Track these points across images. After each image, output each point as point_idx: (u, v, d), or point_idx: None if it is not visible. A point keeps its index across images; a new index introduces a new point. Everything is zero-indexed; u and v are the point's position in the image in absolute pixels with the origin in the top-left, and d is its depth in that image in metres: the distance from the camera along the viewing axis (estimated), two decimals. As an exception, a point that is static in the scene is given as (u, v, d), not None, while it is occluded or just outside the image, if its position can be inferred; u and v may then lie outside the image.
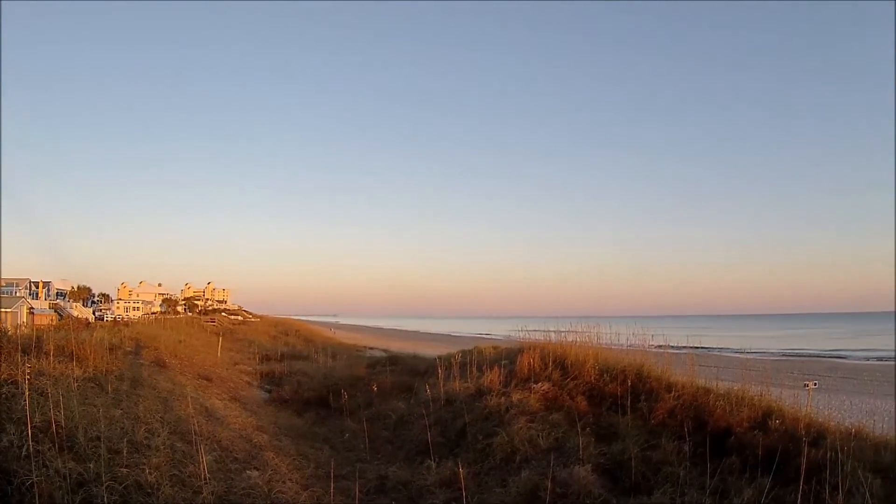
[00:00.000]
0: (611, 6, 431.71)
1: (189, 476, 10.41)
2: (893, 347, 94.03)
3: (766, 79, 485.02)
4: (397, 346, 61.53)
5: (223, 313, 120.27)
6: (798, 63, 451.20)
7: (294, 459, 13.78)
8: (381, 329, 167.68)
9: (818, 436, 14.34)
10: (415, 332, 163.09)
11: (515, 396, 17.78)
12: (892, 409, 36.04)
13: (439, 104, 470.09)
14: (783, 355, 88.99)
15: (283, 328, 72.74)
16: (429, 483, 12.73)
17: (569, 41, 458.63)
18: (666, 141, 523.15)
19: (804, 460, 11.37)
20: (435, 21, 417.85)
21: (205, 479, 10.33)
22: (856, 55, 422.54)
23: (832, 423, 16.00)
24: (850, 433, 14.53)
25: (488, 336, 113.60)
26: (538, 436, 14.97)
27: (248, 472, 12.02)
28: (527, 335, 26.33)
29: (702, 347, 66.06)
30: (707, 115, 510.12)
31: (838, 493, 10.67)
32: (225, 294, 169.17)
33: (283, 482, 11.72)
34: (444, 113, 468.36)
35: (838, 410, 27.34)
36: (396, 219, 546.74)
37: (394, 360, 34.11)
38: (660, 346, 22.42)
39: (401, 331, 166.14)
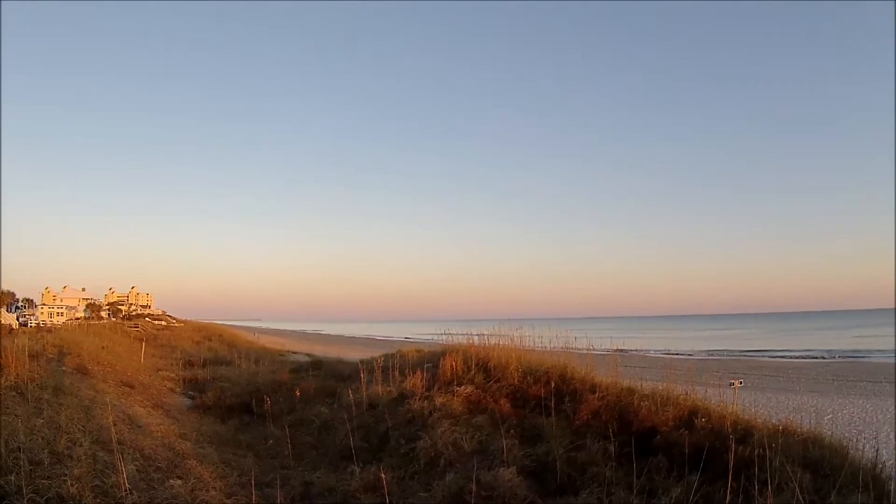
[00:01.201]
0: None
1: (111, 487, 10.17)
2: (816, 345, 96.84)
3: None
4: (321, 351, 61.37)
5: (147, 318, 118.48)
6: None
7: (217, 467, 13.58)
8: (304, 333, 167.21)
9: (745, 433, 14.71)
10: (338, 335, 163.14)
11: (438, 400, 17.77)
12: (818, 405, 36.99)
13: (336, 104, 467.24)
14: (708, 355, 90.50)
15: (206, 333, 72.26)
16: (353, 489, 12.59)
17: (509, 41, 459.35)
18: (587, 144, 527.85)
19: (732, 457, 11.48)
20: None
21: (127, 489, 10.09)
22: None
23: (759, 420, 16.38)
24: (778, 429, 14.92)
25: (412, 339, 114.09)
26: (462, 439, 14.97)
27: (171, 480, 11.76)
28: (450, 338, 26.27)
29: (630, 350, 67.15)
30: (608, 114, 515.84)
31: (768, 488, 10.81)
32: (149, 299, 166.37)
33: (207, 491, 11.53)
34: (352, 111, 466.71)
35: (764, 407, 27.97)
36: (319, 222, 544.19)
37: (317, 365, 33.93)
38: (586, 349, 22.54)
39: (324, 335, 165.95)
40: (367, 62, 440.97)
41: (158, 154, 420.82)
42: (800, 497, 10.44)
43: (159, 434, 16.15)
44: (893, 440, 26.47)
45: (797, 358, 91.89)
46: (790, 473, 11.73)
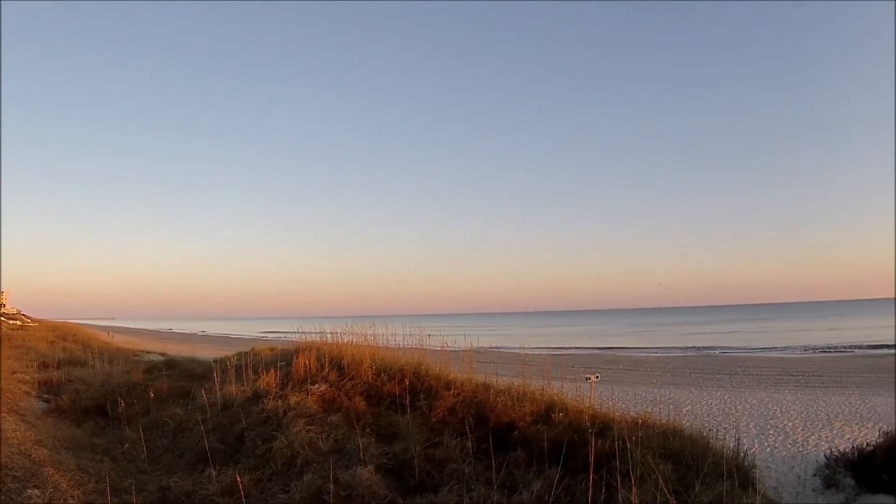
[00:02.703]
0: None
1: (-36, 501, 10.10)
2: (674, 342, 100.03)
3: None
4: (174, 350, 60.33)
5: (1, 318, 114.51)
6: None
7: (74, 474, 13.21)
8: (158, 332, 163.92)
9: (604, 426, 15.19)
10: (192, 334, 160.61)
11: (293, 399, 17.77)
12: (677, 398, 38.30)
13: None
14: (564, 350, 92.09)
15: (60, 333, 70.44)
16: (211, 492, 12.52)
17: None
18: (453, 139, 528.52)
19: (592, 450, 11.56)
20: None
21: (-20, 502, 10.06)
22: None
23: (617, 414, 16.93)
24: (637, 422, 15.42)
25: (266, 337, 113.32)
26: (318, 438, 14.98)
27: (28, 490, 11.50)
28: (303, 336, 26.35)
29: (486, 346, 67.85)
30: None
31: (630, 480, 11.01)
32: (3, 297, 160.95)
33: (65, 500, 11.37)
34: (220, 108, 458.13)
35: (622, 401, 28.68)
36: (170, 220, 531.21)
37: (171, 364, 33.19)
38: (440, 346, 22.84)
39: (178, 333, 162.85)
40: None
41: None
42: (663, 487, 10.63)
43: (15, 441, 15.62)
44: (754, 430, 27.71)
45: (653, 352, 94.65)
46: (652, 465, 12.11)
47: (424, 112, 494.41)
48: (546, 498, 11.81)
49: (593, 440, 12.55)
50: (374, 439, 15.07)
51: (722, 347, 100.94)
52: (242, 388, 19.67)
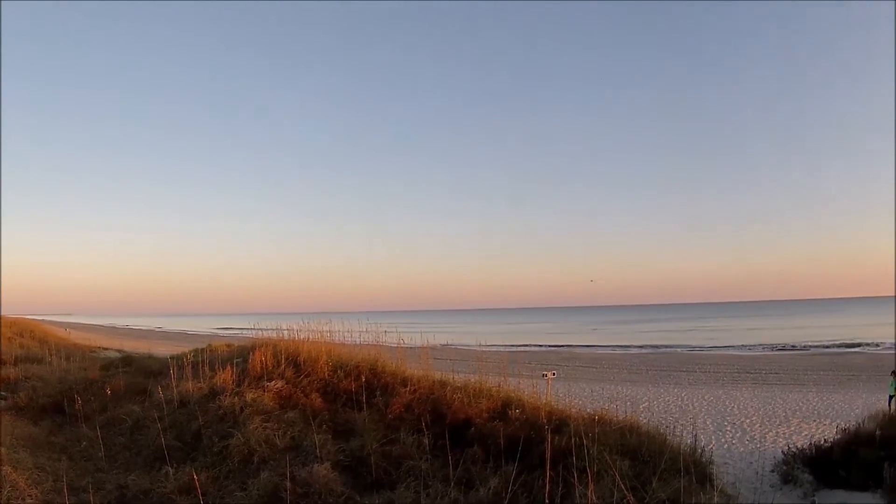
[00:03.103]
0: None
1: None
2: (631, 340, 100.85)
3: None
4: (131, 346, 60.03)
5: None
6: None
7: (32, 473, 13.17)
8: (115, 328, 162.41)
9: (561, 423, 15.31)
10: (149, 330, 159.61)
11: (249, 396, 17.71)
12: (634, 395, 38.70)
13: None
14: (521, 347, 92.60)
15: (17, 329, 69.87)
16: (168, 490, 12.50)
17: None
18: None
19: (548, 446, 11.63)
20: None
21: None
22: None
23: (574, 411, 17.02)
24: (594, 419, 15.54)
25: (223, 334, 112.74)
26: (274, 435, 15.00)
27: None
28: (260, 332, 26.28)
29: (443, 343, 67.94)
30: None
31: (587, 476, 10.98)
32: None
33: (23, 499, 11.40)
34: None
35: (579, 398, 29.07)
36: (119, 215, 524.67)
37: (128, 361, 32.87)
38: (397, 343, 22.88)
39: (135, 329, 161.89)
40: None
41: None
42: (620, 483, 10.73)
43: (-27, 441, 15.60)
44: (711, 427, 28.08)
45: (611, 350, 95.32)
46: (609, 461, 12.15)
47: (376, 109, 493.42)
48: (503, 494, 11.84)
49: (550, 436, 12.71)
50: (330, 436, 15.09)
51: (679, 345, 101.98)
52: (199, 385, 19.53)
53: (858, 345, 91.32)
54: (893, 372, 32.99)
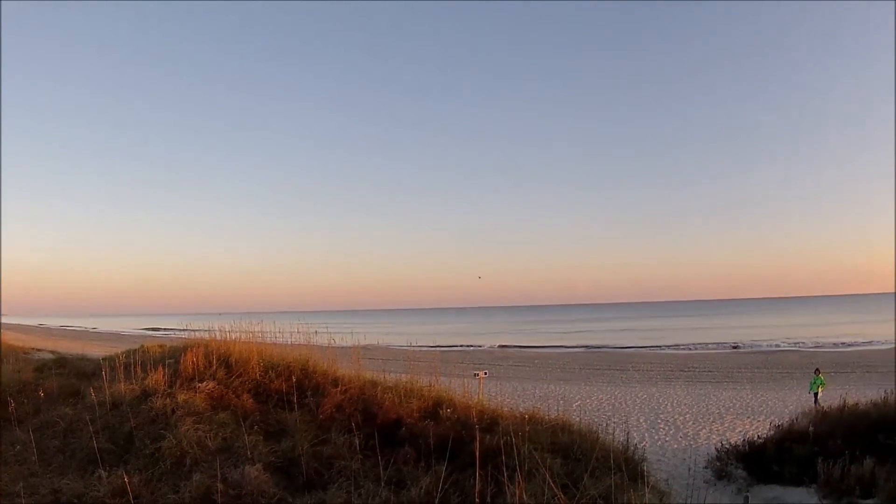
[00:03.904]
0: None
1: None
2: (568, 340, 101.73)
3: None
4: (65, 347, 59.15)
5: None
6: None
7: None
8: (48, 329, 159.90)
9: (492, 422, 15.67)
10: (84, 331, 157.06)
11: (181, 397, 17.64)
12: (567, 393, 39.18)
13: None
14: (454, 347, 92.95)
15: (-52, 330, 68.61)
16: (102, 494, 12.45)
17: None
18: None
19: (478, 445, 11.84)
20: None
21: None
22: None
23: (506, 410, 17.43)
24: (525, 418, 15.75)
25: (156, 334, 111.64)
26: (206, 437, 14.98)
27: None
28: (192, 333, 26.27)
29: (374, 343, 68.07)
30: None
31: (517, 475, 11.17)
32: None
33: None
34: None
35: (511, 397, 29.35)
36: (61, 212, 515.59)
37: (62, 363, 32.39)
38: (328, 343, 22.99)
39: (70, 330, 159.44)
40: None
41: None
42: (550, 482, 10.93)
43: None
44: (644, 424, 28.54)
45: (544, 349, 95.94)
46: (540, 460, 12.44)
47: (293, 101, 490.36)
48: (434, 494, 12.00)
49: (481, 435, 12.96)
50: (262, 437, 15.16)
51: (614, 345, 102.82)
52: (132, 386, 19.36)
53: (794, 343, 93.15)
54: (817, 370, 33.94)
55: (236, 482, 12.46)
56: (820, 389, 32.33)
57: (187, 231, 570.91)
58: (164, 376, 19.60)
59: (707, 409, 33.82)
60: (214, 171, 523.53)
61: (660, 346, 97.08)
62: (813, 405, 29.21)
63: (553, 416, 17.16)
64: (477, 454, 11.54)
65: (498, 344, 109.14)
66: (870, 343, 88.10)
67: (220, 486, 11.94)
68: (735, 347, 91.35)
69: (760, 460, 17.73)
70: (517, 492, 10.86)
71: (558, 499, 10.75)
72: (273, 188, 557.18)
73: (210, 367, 20.08)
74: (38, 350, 52.49)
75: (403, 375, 19.78)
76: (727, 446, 19.42)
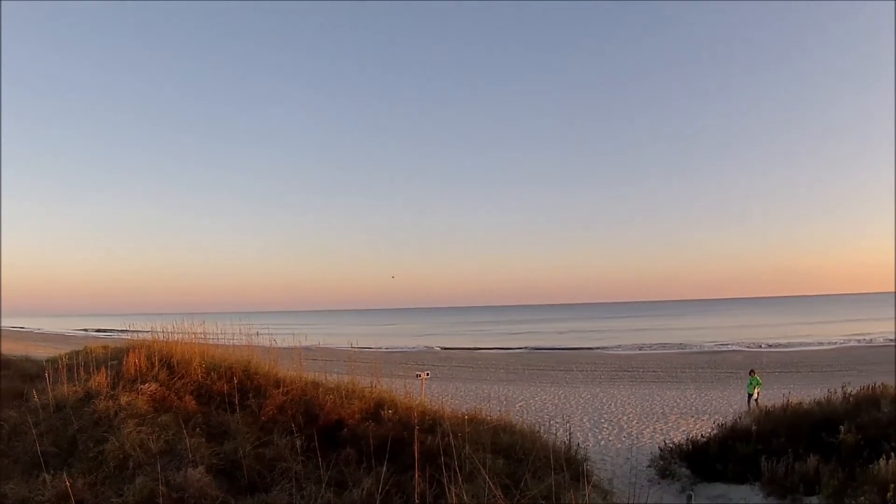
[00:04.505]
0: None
1: None
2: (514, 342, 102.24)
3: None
4: (8, 348, 58.46)
5: None
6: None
7: None
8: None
9: (434, 423, 15.67)
10: (28, 331, 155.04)
11: (124, 399, 17.52)
12: (510, 394, 39.51)
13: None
14: (397, 348, 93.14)
15: None
16: (46, 499, 12.45)
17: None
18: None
19: (417, 446, 12.08)
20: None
21: None
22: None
23: (448, 410, 17.41)
24: (466, 418, 15.93)
25: (100, 335, 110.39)
26: (149, 439, 14.92)
27: None
28: (134, 334, 26.20)
29: (321, 345, 68.09)
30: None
31: (458, 475, 11.47)
32: None
33: None
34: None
35: (454, 397, 29.68)
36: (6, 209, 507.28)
37: (5, 364, 32.55)
38: (269, 343, 23.03)
39: (14, 331, 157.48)
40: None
41: None
42: (490, 483, 11.03)
43: None
44: (588, 424, 28.99)
45: (487, 350, 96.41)
46: (480, 460, 12.50)
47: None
48: (376, 495, 12.15)
49: (420, 436, 13.19)
50: (204, 439, 15.18)
51: (558, 346, 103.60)
52: (75, 388, 19.16)
53: (737, 344, 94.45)
54: (752, 371, 34.72)
55: (179, 485, 12.52)
56: (756, 390, 33.01)
57: (126, 229, 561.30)
58: (106, 378, 19.43)
59: (651, 409, 34.34)
60: (148, 169, 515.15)
61: (605, 347, 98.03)
62: (746, 406, 29.97)
63: (495, 417, 17.46)
64: (416, 455, 11.81)
65: (441, 345, 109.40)
66: (819, 344, 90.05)
67: (162, 489, 12.00)
68: (681, 348, 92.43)
69: (704, 459, 18.14)
70: (458, 492, 11.07)
71: (498, 499, 10.92)
72: (208, 187, 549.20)
73: (152, 368, 20.00)
74: (-21, 352, 51.91)
75: (345, 376, 19.78)
76: (671, 445, 19.86)
